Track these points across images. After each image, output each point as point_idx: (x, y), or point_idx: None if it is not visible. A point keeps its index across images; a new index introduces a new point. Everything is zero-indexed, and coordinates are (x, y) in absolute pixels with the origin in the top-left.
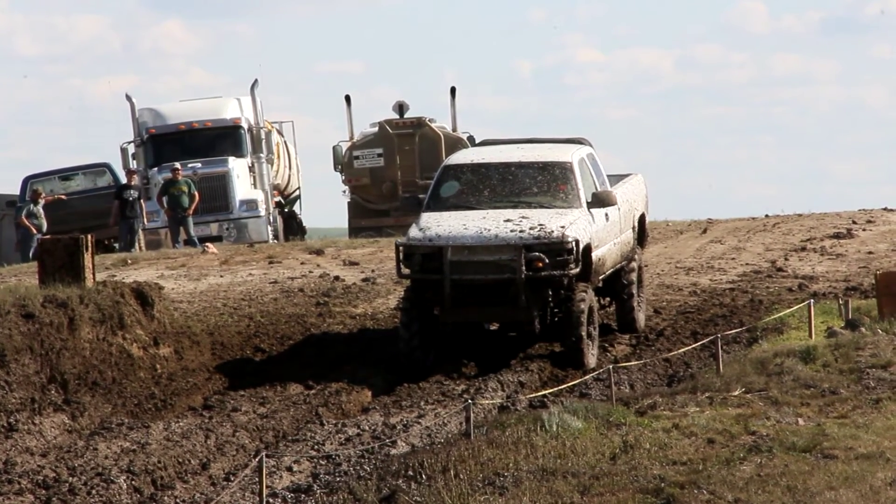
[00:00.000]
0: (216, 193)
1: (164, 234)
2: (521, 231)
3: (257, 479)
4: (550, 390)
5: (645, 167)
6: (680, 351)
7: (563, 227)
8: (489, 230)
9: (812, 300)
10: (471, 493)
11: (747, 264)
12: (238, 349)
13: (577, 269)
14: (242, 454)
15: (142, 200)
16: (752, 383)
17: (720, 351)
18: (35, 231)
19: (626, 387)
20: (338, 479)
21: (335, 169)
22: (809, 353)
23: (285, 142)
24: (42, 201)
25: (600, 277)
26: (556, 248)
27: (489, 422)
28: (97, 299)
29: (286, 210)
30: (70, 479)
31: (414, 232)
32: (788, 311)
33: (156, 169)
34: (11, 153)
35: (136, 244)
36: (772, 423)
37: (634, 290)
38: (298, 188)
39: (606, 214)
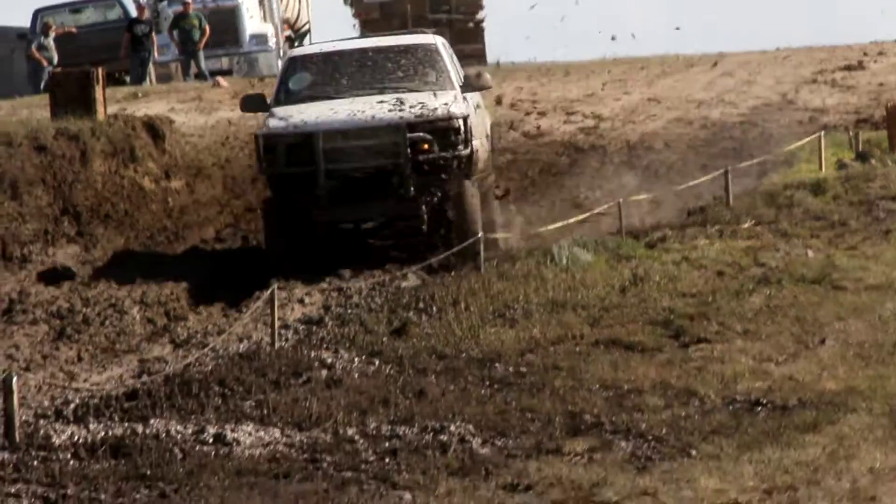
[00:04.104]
0: (226, 27)
1: (175, 68)
2: (400, 111)
3: (269, 310)
4: (561, 224)
5: None
6: (690, 184)
7: (446, 104)
8: (364, 112)
9: (822, 132)
10: (481, 325)
11: (758, 97)
12: (249, 183)
13: (468, 151)
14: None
15: (153, 34)
16: (762, 216)
17: (730, 184)
18: (46, 64)
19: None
20: (349, 311)
21: (345, 2)
22: (819, 185)
23: None
24: (53, 34)
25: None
26: (443, 128)
27: (499, 256)
28: (109, 132)
29: (296, 44)
30: (84, 309)
31: (274, 122)
32: (799, 143)
33: (166, 2)
34: None
35: (147, 78)
36: (781, 255)
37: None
38: (308, 22)
39: (477, 105)
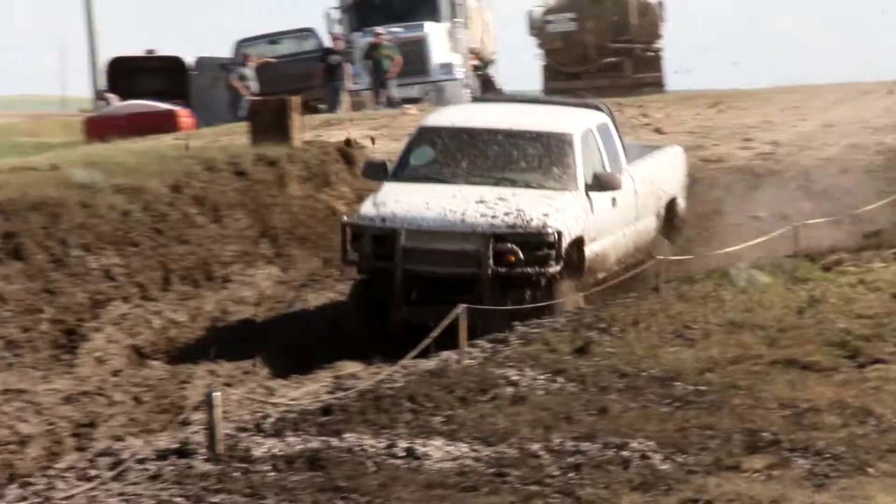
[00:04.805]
0: (415, 57)
1: (367, 96)
2: (492, 216)
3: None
4: (739, 246)
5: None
6: (866, 208)
7: (545, 214)
8: (455, 212)
9: None
10: (661, 345)
11: None
12: None
13: (558, 268)
14: None
15: (346, 64)
16: None
17: None
18: (245, 92)
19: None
20: (533, 331)
21: (529, 33)
22: None
23: (481, 6)
24: (252, 64)
25: (601, 276)
26: (534, 241)
27: (678, 279)
28: (304, 157)
29: (482, 72)
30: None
31: (366, 208)
32: None
33: (359, 33)
34: (222, 18)
35: (341, 106)
36: None
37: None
38: (494, 51)
39: (614, 199)
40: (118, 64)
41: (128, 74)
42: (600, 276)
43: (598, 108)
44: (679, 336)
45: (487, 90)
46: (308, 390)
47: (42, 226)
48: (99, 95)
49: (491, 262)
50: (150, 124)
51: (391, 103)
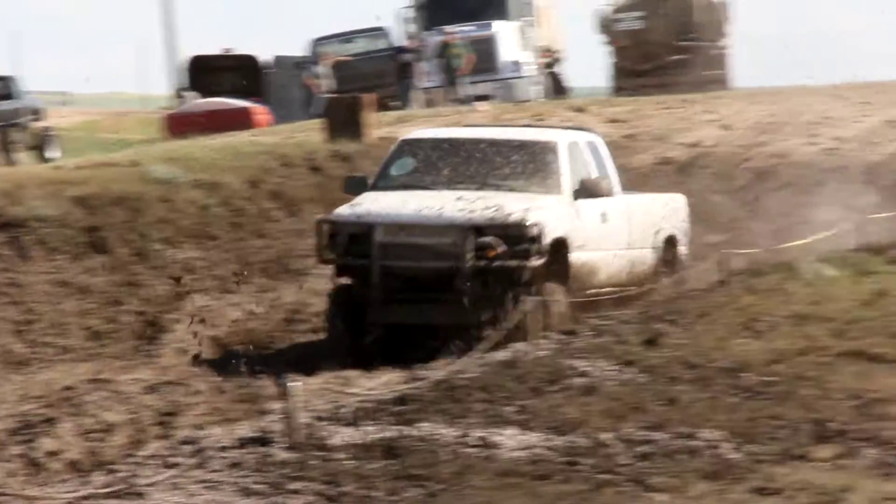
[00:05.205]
0: (485, 55)
1: (439, 94)
2: (470, 211)
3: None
4: (806, 240)
5: None
6: None
7: (526, 209)
8: (432, 207)
9: None
10: (729, 337)
11: None
12: None
13: (540, 262)
14: None
15: (418, 62)
16: None
17: None
18: (320, 90)
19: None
20: (603, 322)
21: (597, 31)
22: None
23: (549, 5)
24: (326, 62)
25: (588, 291)
26: (514, 235)
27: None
28: (377, 153)
29: (550, 70)
30: None
31: (341, 209)
32: None
33: (430, 32)
34: (296, 19)
35: (412, 103)
36: None
37: None
38: (562, 49)
39: (604, 214)
40: (196, 62)
41: (206, 72)
42: (589, 291)
43: (588, 131)
44: (747, 328)
45: (556, 87)
46: (383, 381)
47: (124, 220)
48: (178, 93)
49: (470, 255)
50: (228, 121)
51: (462, 101)
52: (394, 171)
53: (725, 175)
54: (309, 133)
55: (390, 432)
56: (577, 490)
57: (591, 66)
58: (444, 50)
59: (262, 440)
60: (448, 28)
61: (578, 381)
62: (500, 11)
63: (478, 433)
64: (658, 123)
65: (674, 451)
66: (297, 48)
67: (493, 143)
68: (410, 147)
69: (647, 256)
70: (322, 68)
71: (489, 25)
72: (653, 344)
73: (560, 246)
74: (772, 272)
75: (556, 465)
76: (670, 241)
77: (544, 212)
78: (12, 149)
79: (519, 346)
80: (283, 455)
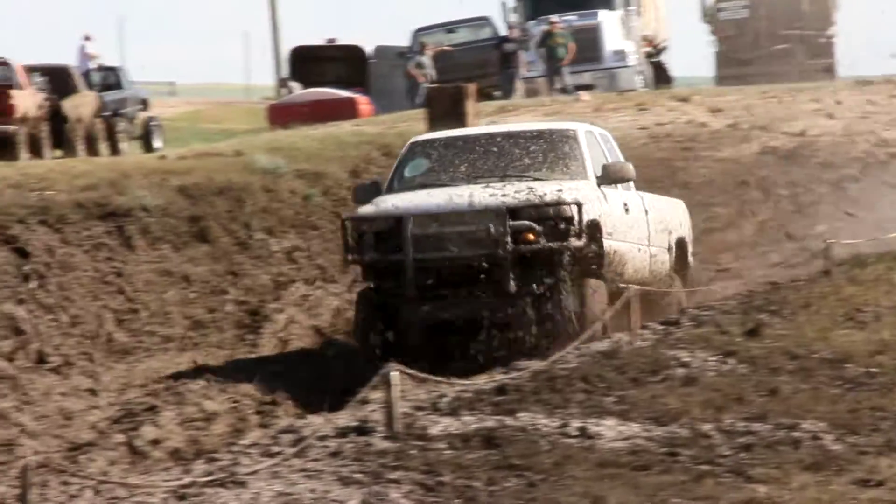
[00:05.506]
0: (588, 45)
1: (541, 83)
2: (503, 195)
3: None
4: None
5: None
6: None
7: (559, 190)
8: (462, 196)
9: None
10: (831, 327)
11: None
12: None
13: (581, 242)
14: None
15: (520, 51)
16: None
17: None
18: (422, 80)
19: None
20: (703, 313)
21: (702, 20)
22: None
23: None
24: (429, 52)
25: (621, 286)
26: (551, 216)
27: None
28: None
29: (654, 59)
30: None
31: (366, 207)
32: None
33: (534, 21)
34: (397, 9)
35: (515, 93)
36: None
37: None
38: (666, 38)
39: (626, 205)
40: (300, 53)
41: (309, 63)
42: (621, 286)
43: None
44: (850, 319)
45: (660, 77)
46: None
47: (227, 209)
48: (281, 83)
49: (509, 240)
50: (331, 111)
51: (565, 90)
52: (408, 172)
53: (830, 165)
54: (411, 123)
55: (490, 422)
56: (677, 481)
57: (694, 56)
58: (548, 39)
59: (362, 429)
60: (552, 17)
61: (679, 372)
62: (605, 1)
63: (577, 423)
64: (763, 113)
65: (775, 443)
66: (397, 38)
67: (510, 136)
68: (422, 148)
69: (664, 255)
70: (425, 58)
71: (595, 15)
72: (754, 334)
73: (595, 229)
74: (876, 262)
75: (656, 455)
76: (681, 244)
77: (576, 192)
78: (118, 139)
79: (619, 336)
80: (383, 444)
